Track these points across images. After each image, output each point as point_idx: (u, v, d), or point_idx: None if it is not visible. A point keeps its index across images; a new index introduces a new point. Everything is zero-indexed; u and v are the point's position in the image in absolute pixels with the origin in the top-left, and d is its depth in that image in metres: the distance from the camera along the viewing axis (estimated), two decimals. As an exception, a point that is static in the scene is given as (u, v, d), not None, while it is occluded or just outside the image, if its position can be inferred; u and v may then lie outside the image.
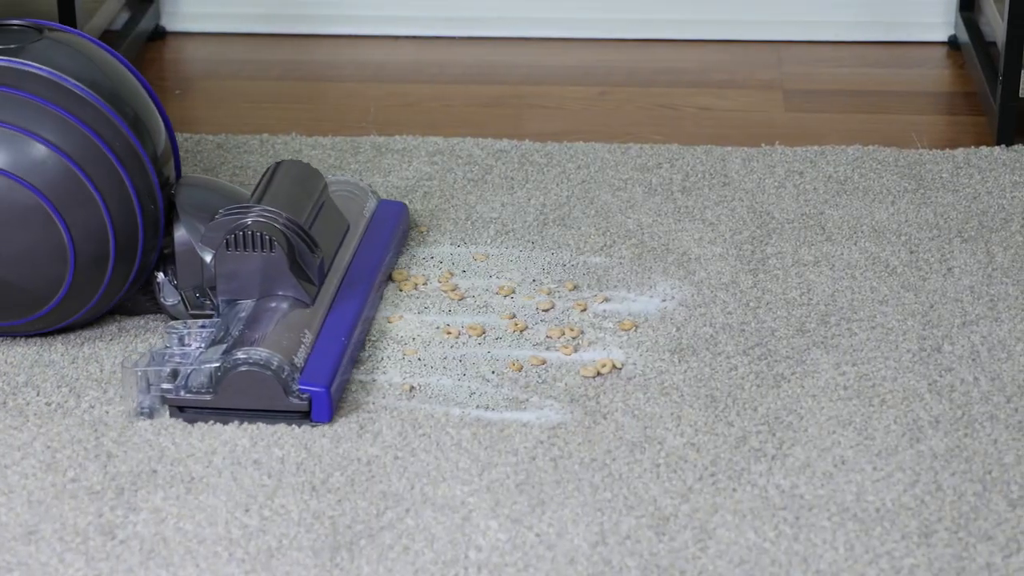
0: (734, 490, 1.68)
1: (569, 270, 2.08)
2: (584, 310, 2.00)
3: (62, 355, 1.92)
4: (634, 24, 2.80)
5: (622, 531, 1.63)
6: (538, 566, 1.59)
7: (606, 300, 2.02)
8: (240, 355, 1.78)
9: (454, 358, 1.91)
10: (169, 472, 1.72)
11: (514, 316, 1.99)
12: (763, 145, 2.39)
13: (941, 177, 2.29)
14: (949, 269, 2.07)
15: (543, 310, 2.00)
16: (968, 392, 1.83)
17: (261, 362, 1.78)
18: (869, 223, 2.17)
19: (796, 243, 2.13)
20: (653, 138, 2.45)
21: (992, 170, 2.30)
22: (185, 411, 1.79)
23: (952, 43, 2.75)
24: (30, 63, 1.87)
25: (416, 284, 2.05)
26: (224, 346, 1.81)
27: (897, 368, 1.87)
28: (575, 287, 2.05)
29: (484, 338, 1.95)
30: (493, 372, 1.88)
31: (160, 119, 1.96)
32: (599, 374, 1.88)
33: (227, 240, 1.88)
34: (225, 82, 2.65)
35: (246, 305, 1.88)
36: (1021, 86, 2.35)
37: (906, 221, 2.18)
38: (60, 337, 1.95)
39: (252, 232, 1.87)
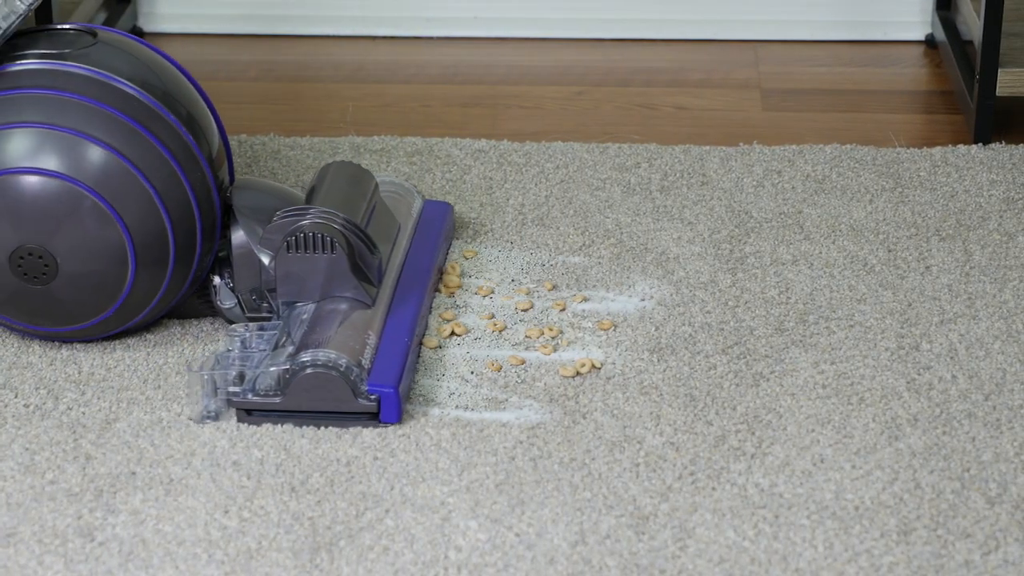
0: (713, 489, 1.68)
1: (548, 270, 2.08)
2: (563, 310, 2.00)
3: (40, 357, 1.91)
4: (611, 24, 2.80)
5: (602, 531, 1.63)
6: (518, 566, 1.59)
7: (585, 300, 2.02)
8: (308, 357, 1.77)
9: (433, 358, 1.91)
10: (148, 474, 1.72)
11: (493, 316, 1.99)
12: (741, 144, 2.40)
13: (919, 176, 2.29)
14: (927, 267, 2.07)
15: (522, 310, 2.00)
16: (946, 390, 1.83)
17: (329, 364, 1.77)
18: (847, 222, 2.18)
19: (774, 242, 2.13)
20: (631, 138, 2.45)
21: (969, 168, 2.30)
22: (252, 414, 1.79)
23: (929, 42, 2.75)
24: (85, 67, 1.86)
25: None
26: (290, 348, 1.80)
27: (875, 366, 1.88)
28: (554, 287, 2.05)
29: (463, 338, 1.95)
30: (472, 372, 1.88)
31: (213, 121, 1.95)
32: (578, 374, 1.88)
33: (287, 242, 1.87)
34: (202, 83, 2.64)
35: (307, 307, 1.88)
36: (998, 84, 2.35)
37: (884, 220, 2.18)
38: (37, 339, 1.94)
39: (313, 233, 1.87)
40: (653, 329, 1.96)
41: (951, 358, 1.89)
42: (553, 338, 1.95)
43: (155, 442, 1.77)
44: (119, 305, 1.88)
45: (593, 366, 1.89)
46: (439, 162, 2.35)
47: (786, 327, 1.95)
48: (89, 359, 1.91)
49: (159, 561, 1.60)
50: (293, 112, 2.54)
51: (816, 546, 1.60)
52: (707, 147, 2.38)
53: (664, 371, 1.87)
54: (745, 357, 1.90)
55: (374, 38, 2.80)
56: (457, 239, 2.15)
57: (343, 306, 1.87)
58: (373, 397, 1.77)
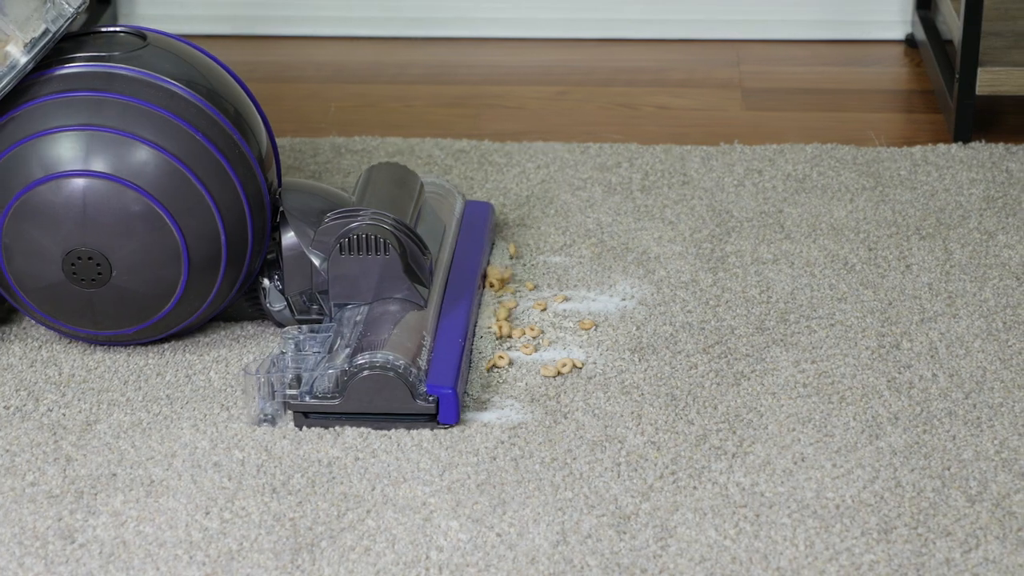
0: (695, 488, 1.69)
1: (529, 269, 2.08)
2: (544, 309, 2.00)
3: (20, 359, 1.91)
4: (593, 24, 2.80)
5: (583, 530, 1.63)
6: (499, 566, 1.59)
7: (566, 299, 2.02)
8: (366, 359, 1.77)
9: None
10: (129, 475, 1.72)
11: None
12: (722, 144, 2.40)
13: (899, 175, 2.30)
14: (907, 266, 2.07)
15: (506, 310, 2.00)
16: (927, 388, 1.84)
17: (388, 365, 1.77)
18: (828, 221, 2.18)
19: (755, 241, 2.14)
20: (612, 137, 2.45)
21: (949, 167, 2.31)
22: (309, 417, 1.78)
23: (909, 41, 2.76)
24: (137, 69, 1.86)
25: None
26: (347, 351, 1.80)
27: (856, 365, 1.88)
28: (535, 287, 2.05)
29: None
30: (454, 372, 1.88)
31: (261, 122, 1.95)
32: (559, 373, 1.88)
33: (340, 244, 1.87)
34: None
35: (359, 309, 1.87)
36: (977, 83, 2.36)
37: (864, 219, 2.19)
38: (17, 341, 1.94)
39: (366, 235, 1.86)
40: (634, 329, 1.96)
41: (931, 357, 1.89)
42: (534, 338, 1.95)
43: (136, 444, 1.77)
44: (170, 309, 1.87)
45: (574, 366, 1.89)
46: (420, 162, 2.35)
47: (767, 326, 1.96)
48: (70, 361, 1.90)
49: (140, 563, 1.60)
50: (275, 113, 2.54)
51: (797, 545, 1.61)
52: (688, 147, 2.38)
53: (645, 371, 1.88)
54: (726, 356, 1.90)
55: (356, 38, 2.80)
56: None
57: (396, 307, 1.86)
58: (432, 398, 1.77)
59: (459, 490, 1.69)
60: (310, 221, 1.91)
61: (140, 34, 1.92)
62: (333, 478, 1.71)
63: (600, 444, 1.75)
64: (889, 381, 1.85)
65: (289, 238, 1.90)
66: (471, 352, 1.89)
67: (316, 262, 1.89)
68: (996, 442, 1.74)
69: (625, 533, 1.63)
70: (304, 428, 1.78)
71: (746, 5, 2.77)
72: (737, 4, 2.77)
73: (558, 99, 2.60)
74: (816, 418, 1.79)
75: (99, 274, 1.84)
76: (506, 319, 1.95)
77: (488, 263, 2.06)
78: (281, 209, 1.92)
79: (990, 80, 2.36)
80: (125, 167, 1.82)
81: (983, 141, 2.38)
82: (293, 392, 1.78)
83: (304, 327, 1.87)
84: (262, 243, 1.91)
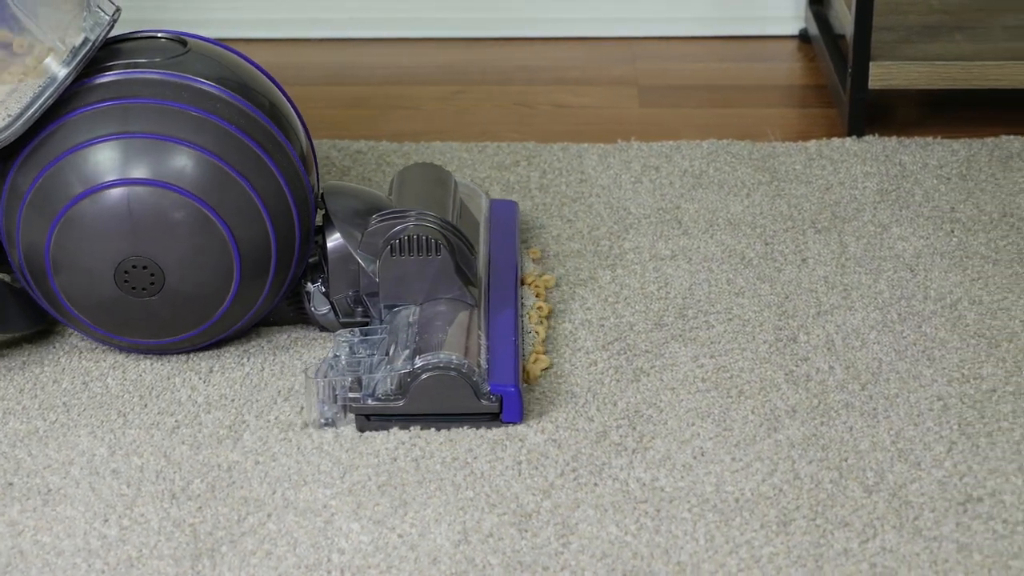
0: (595, 485, 1.69)
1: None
2: (444, 309, 2.00)
3: (-87, 369, 1.89)
4: (489, 22, 2.80)
5: (484, 529, 1.63)
6: (401, 567, 1.59)
7: (465, 299, 2.02)
8: (429, 360, 1.76)
9: (312, 360, 1.90)
10: (25, 484, 1.70)
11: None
12: (619, 141, 2.41)
13: (794, 169, 2.31)
14: (803, 260, 2.09)
15: (403, 310, 2.00)
16: (824, 381, 1.85)
17: (451, 366, 1.75)
18: (724, 216, 2.20)
19: (653, 237, 2.15)
20: (510, 136, 2.46)
21: (844, 161, 2.33)
22: (371, 419, 1.77)
23: (803, 37, 2.78)
24: (181, 74, 1.83)
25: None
26: (406, 352, 1.79)
27: (754, 359, 1.89)
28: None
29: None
30: (354, 374, 1.88)
31: (301, 125, 1.93)
32: (460, 373, 1.88)
33: (391, 245, 1.86)
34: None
35: (409, 310, 1.86)
36: (869, 78, 2.38)
37: (761, 213, 2.20)
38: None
39: (417, 236, 1.86)
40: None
41: (828, 349, 1.91)
42: (434, 338, 1.95)
43: (32, 452, 1.75)
44: (220, 316, 1.85)
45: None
46: (319, 165, 2.34)
47: (665, 322, 1.97)
48: (-36, 370, 1.88)
49: (38, 572, 1.58)
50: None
51: (697, 539, 1.61)
52: (585, 144, 2.39)
53: (545, 368, 1.88)
54: (625, 353, 1.91)
55: (254, 41, 2.79)
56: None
57: (447, 308, 1.86)
58: (495, 397, 1.76)
59: (360, 492, 1.69)
60: (355, 223, 1.90)
61: (180, 39, 1.91)
62: (233, 482, 1.70)
63: (501, 443, 1.75)
64: (787, 374, 1.86)
65: (334, 240, 1.89)
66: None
67: (364, 265, 1.88)
68: (892, 433, 1.76)
69: (527, 531, 1.63)
70: (201, 432, 1.77)
71: (641, 3, 2.78)
72: (632, 2, 2.78)
73: (455, 99, 2.60)
74: (715, 412, 1.80)
75: (151, 283, 1.82)
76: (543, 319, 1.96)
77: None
78: (324, 212, 1.91)
79: (882, 74, 2.38)
80: (176, 173, 1.80)
81: (876, 135, 2.40)
82: (355, 395, 1.77)
83: (356, 330, 1.86)
84: (308, 245, 1.90)
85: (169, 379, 1.87)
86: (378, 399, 1.77)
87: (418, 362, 1.76)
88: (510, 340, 1.84)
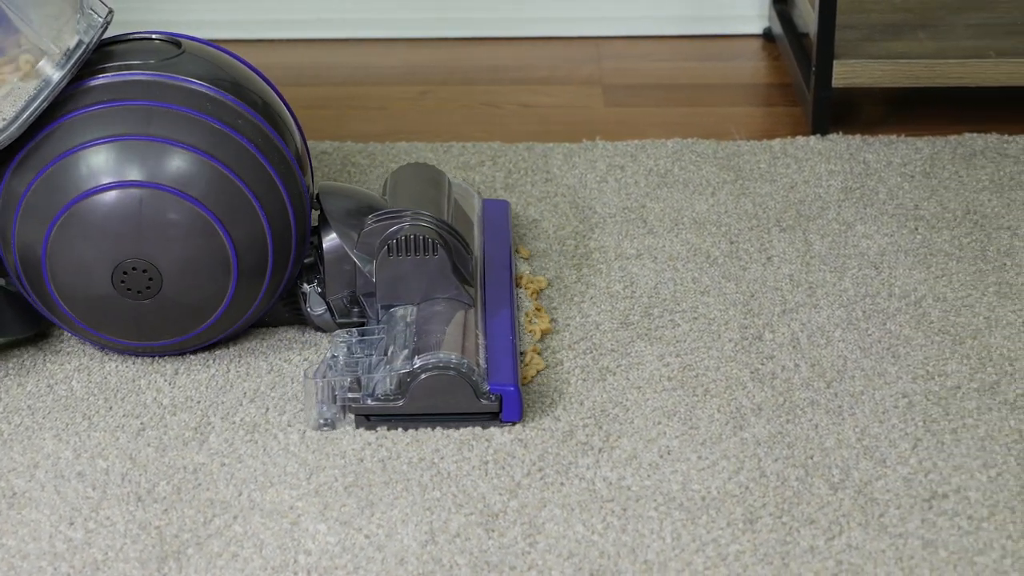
0: (562, 484, 1.69)
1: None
2: (410, 310, 2.00)
3: None
4: (454, 23, 2.80)
5: (452, 529, 1.63)
6: (368, 567, 1.58)
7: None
8: (428, 360, 1.76)
9: (278, 362, 1.90)
10: (-10, 488, 1.70)
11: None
12: (584, 140, 2.41)
13: (759, 168, 2.32)
14: (768, 258, 2.10)
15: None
16: (789, 379, 1.86)
17: (451, 365, 1.75)
18: (690, 215, 2.20)
19: (618, 237, 2.15)
20: (475, 136, 2.46)
21: (808, 159, 2.34)
22: (371, 419, 1.77)
23: (767, 35, 2.79)
24: (177, 76, 1.83)
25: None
26: (405, 352, 1.78)
27: (720, 357, 1.90)
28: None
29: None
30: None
31: (296, 126, 1.93)
32: (426, 373, 1.88)
33: (388, 245, 1.85)
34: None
35: (406, 310, 1.86)
36: (833, 76, 2.39)
37: (726, 212, 2.21)
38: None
39: (414, 236, 1.85)
40: (500, 327, 1.96)
41: (793, 347, 1.91)
42: (400, 338, 1.95)
43: (-3, 455, 1.74)
44: (217, 317, 1.85)
45: (441, 365, 1.89)
46: (283, 165, 2.33)
47: (631, 321, 1.97)
48: (-72, 373, 1.87)
49: (3, 576, 1.58)
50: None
51: (664, 537, 1.62)
52: (551, 144, 2.39)
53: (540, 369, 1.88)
54: (591, 352, 1.91)
55: (217, 41, 2.78)
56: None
57: (444, 307, 1.86)
58: (495, 396, 1.76)
59: (327, 493, 1.68)
60: (351, 224, 1.90)
61: (174, 41, 1.90)
62: (199, 484, 1.70)
63: (467, 443, 1.75)
64: (752, 372, 1.87)
65: (330, 241, 1.89)
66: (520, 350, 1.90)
67: (361, 265, 1.88)
68: (857, 430, 1.77)
69: (494, 531, 1.63)
70: (168, 435, 1.76)
71: (606, 3, 2.79)
72: (597, 2, 2.79)
73: (420, 99, 2.60)
74: (681, 411, 1.80)
75: (149, 286, 1.81)
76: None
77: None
78: (320, 212, 1.91)
79: (846, 73, 2.39)
80: (173, 175, 1.79)
81: (840, 133, 2.41)
82: (355, 395, 1.77)
83: (354, 330, 1.86)
84: (303, 247, 1.89)
85: (134, 381, 1.87)
86: (378, 399, 1.76)
87: (417, 362, 1.76)
88: (507, 339, 1.85)
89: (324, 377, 1.77)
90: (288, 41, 2.79)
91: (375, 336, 1.84)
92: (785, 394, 1.83)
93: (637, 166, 2.33)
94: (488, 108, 2.56)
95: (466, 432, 1.77)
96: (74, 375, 1.87)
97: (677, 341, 1.93)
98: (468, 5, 2.79)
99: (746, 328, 1.95)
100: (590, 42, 2.78)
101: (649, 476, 1.70)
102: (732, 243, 2.13)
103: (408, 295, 1.88)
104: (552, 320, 1.96)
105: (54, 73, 1.80)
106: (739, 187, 2.27)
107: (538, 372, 1.87)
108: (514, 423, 1.78)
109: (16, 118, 1.79)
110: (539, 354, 1.90)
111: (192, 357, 1.91)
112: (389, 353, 1.80)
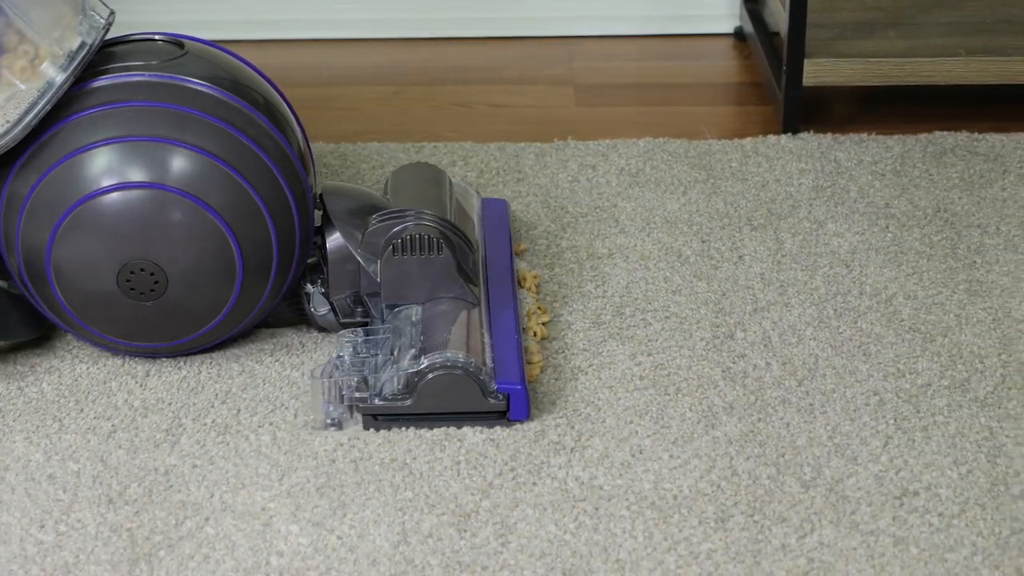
0: (534, 484, 1.69)
1: (365, 271, 2.08)
2: (381, 310, 2.00)
3: None
4: (426, 23, 2.80)
5: (424, 530, 1.63)
6: (340, 568, 1.58)
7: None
8: (436, 359, 1.76)
9: (251, 364, 1.90)
10: (-40, 491, 1.69)
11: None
12: (556, 140, 2.41)
13: (730, 167, 2.32)
14: (740, 257, 2.10)
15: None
16: (760, 377, 1.86)
17: (458, 365, 1.75)
18: (661, 214, 2.20)
19: (590, 236, 2.15)
20: (447, 136, 2.46)
21: (779, 158, 2.34)
22: (378, 419, 1.76)
23: (738, 34, 2.79)
24: (181, 76, 1.82)
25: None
26: (412, 351, 1.78)
27: (691, 356, 1.90)
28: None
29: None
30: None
31: (298, 127, 1.92)
32: (398, 374, 1.88)
33: (393, 245, 1.85)
34: None
35: (412, 309, 1.86)
36: (804, 75, 2.39)
37: (697, 211, 2.21)
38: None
39: (419, 235, 1.85)
40: (472, 327, 1.96)
41: (765, 346, 1.92)
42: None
43: (-33, 458, 1.74)
44: (223, 317, 1.84)
45: (412, 366, 1.89)
46: (254, 166, 2.33)
47: (603, 320, 1.97)
48: (-103, 376, 1.87)
49: (-26, 579, 1.57)
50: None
51: (636, 536, 1.62)
52: (522, 144, 2.39)
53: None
54: (563, 352, 1.91)
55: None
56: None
57: (449, 307, 1.86)
58: (502, 395, 1.76)
59: (299, 494, 1.68)
60: (355, 224, 1.90)
61: (177, 42, 1.90)
62: (171, 486, 1.69)
63: (439, 443, 1.75)
64: (724, 371, 1.87)
65: (334, 241, 1.89)
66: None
67: (364, 264, 1.87)
68: (829, 428, 1.77)
69: (466, 531, 1.63)
70: (134, 435, 1.76)
71: (577, 2, 2.79)
72: (568, 1, 2.79)
73: (392, 99, 2.59)
74: (653, 410, 1.81)
75: (154, 287, 1.81)
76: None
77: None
78: (323, 212, 1.91)
79: (816, 71, 2.40)
80: (178, 176, 1.79)
81: (811, 131, 2.41)
82: (362, 395, 1.76)
83: (359, 330, 1.85)
84: (307, 248, 1.89)
85: (105, 383, 1.86)
86: (385, 399, 1.76)
87: (425, 361, 1.76)
88: (513, 338, 1.85)
89: (331, 377, 1.77)
90: (258, 42, 2.78)
91: (380, 336, 1.84)
92: (757, 393, 1.83)
93: (609, 165, 2.33)
94: (460, 108, 2.56)
95: (438, 432, 1.77)
96: (44, 377, 1.87)
97: (649, 340, 1.93)
98: (439, 5, 2.79)
99: (718, 327, 1.95)
100: (561, 42, 2.78)
101: (621, 475, 1.70)
102: (704, 242, 2.13)
103: (413, 294, 1.88)
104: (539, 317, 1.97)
105: (58, 75, 1.80)
106: (711, 186, 2.27)
107: (541, 370, 1.87)
108: (521, 421, 1.77)
109: (20, 120, 1.78)
110: (538, 353, 1.90)
111: (163, 359, 1.90)
112: (395, 353, 1.80)
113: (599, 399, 1.82)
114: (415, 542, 1.61)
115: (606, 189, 2.27)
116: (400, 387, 1.76)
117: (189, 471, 1.72)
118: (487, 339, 1.83)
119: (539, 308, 1.97)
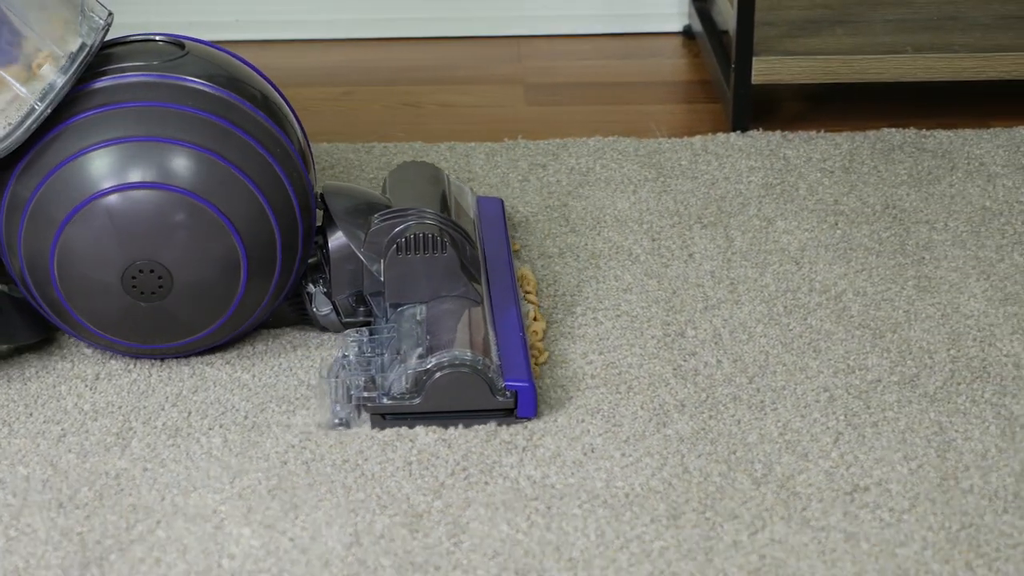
0: (486, 484, 1.69)
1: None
2: (332, 311, 2.00)
3: None
4: (375, 23, 2.80)
5: (376, 531, 1.63)
6: (292, 570, 1.58)
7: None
8: (444, 358, 1.75)
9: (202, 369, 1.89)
10: (-91, 497, 1.68)
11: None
12: (506, 140, 2.41)
13: (680, 165, 2.33)
14: (690, 255, 2.11)
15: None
16: (712, 375, 1.87)
17: (466, 363, 1.75)
18: (612, 213, 2.21)
19: (541, 235, 2.15)
20: (397, 136, 2.45)
21: (729, 156, 2.35)
22: (387, 418, 1.76)
23: (687, 33, 2.80)
24: (181, 77, 1.81)
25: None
26: (419, 350, 1.77)
27: (643, 355, 1.90)
28: (323, 289, 2.04)
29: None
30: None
31: (298, 126, 1.92)
32: (349, 375, 1.88)
33: (397, 244, 1.84)
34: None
35: (416, 308, 1.85)
36: (752, 73, 2.40)
37: (647, 209, 2.21)
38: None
39: (423, 234, 1.84)
40: (423, 327, 1.96)
41: (716, 343, 1.92)
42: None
43: (-84, 464, 1.73)
44: (228, 316, 1.84)
45: (364, 366, 1.89)
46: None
47: (555, 319, 1.97)
48: None
49: (-77, 586, 1.56)
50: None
51: (588, 535, 1.62)
52: (472, 143, 2.39)
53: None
54: (515, 351, 1.91)
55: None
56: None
57: (453, 305, 1.85)
58: (510, 393, 1.75)
59: (250, 496, 1.68)
60: (357, 223, 1.89)
61: (178, 42, 1.89)
62: (121, 490, 1.69)
63: (391, 444, 1.75)
64: (675, 369, 1.88)
65: (336, 240, 1.88)
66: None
67: (367, 264, 1.87)
68: (779, 424, 1.78)
69: (418, 531, 1.63)
70: (88, 440, 1.75)
71: (526, 2, 2.79)
72: (517, 1, 2.79)
73: (342, 100, 2.59)
74: (604, 408, 1.81)
75: (160, 287, 1.80)
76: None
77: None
78: (324, 212, 1.90)
79: (765, 69, 2.40)
80: (179, 175, 1.78)
81: (760, 129, 2.42)
82: (370, 394, 1.76)
83: (364, 329, 1.85)
84: (309, 244, 1.89)
85: (55, 387, 1.85)
86: (393, 398, 1.76)
87: (432, 360, 1.76)
88: (517, 335, 1.85)
89: (338, 376, 1.77)
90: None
91: (385, 335, 1.84)
92: (707, 390, 1.84)
93: (559, 165, 2.33)
94: (409, 108, 2.56)
95: (390, 433, 1.76)
96: (-7, 382, 1.86)
97: (600, 339, 1.93)
98: (387, 5, 2.79)
99: (668, 325, 1.96)
100: (511, 41, 2.79)
101: (573, 474, 1.70)
102: (654, 240, 2.14)
103: (417, 293, 1.87)
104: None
105: (58, 77, 1.79)
106: (660, 184, 2.28)
107: (544, 363, 1.88)
108: (529, 419, 1.77)
109: (21, 123, 1.77)
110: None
111: (113, 362, 1.89)
112: (401, 352, 1.80)
113: (551, 398, 1.83)
114: (367, 543, 1.61)
115: (556, 188, 2.27)
116: (408, 386, 1.76)
117: (140, 474, 1.71)
118: (492, 337, 1.83)
119: (535, 303, 1.98)
